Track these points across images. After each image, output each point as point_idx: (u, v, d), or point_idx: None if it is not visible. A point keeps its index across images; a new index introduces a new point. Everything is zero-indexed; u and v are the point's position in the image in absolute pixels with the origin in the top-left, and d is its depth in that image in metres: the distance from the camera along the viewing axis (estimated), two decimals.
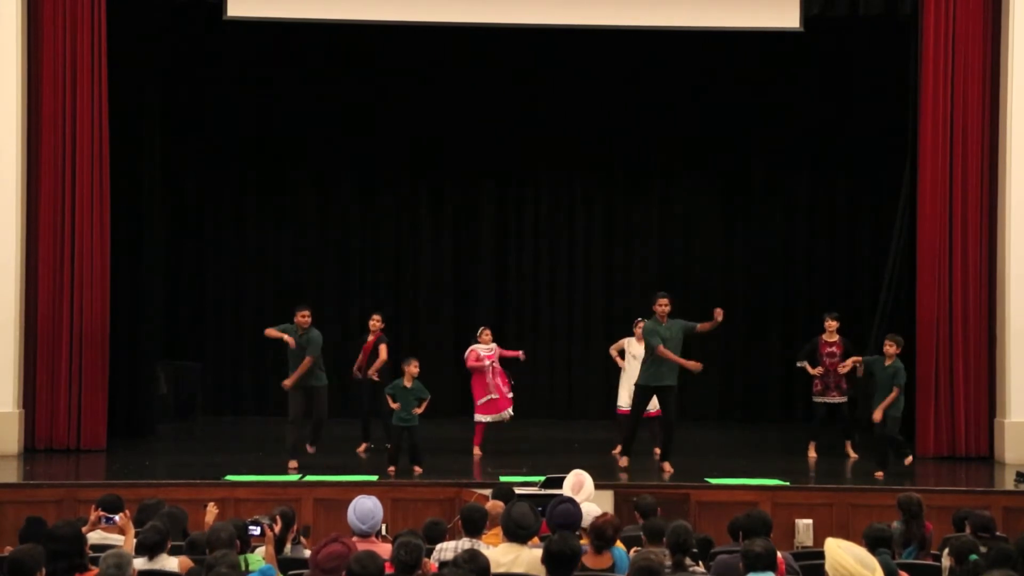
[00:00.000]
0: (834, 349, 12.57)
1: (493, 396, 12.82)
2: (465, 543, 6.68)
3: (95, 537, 7.15)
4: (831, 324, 12.62)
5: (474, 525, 6.96)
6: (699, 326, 11.51)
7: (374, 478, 10.94)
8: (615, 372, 13.28)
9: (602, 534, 6.65)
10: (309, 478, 10.86)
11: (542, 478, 9.78)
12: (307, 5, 13.29)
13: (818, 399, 12.68)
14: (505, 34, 14.21)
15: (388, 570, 5.61)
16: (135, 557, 6.39)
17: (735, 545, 7.11)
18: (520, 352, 13.16)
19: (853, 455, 12.64)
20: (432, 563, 6.39)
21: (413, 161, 16.58)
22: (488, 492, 9.24)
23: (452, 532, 7.64)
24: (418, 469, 11.22)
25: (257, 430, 14.86)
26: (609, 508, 9.46)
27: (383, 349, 12.58)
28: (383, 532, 7.80)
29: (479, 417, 12.80)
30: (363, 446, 12.81)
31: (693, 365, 11.50)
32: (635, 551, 6.69)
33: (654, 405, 12.16)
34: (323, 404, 11.75)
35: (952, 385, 12.89)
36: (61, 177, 12.65)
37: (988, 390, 12.98)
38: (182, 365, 15.75)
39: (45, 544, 5.80)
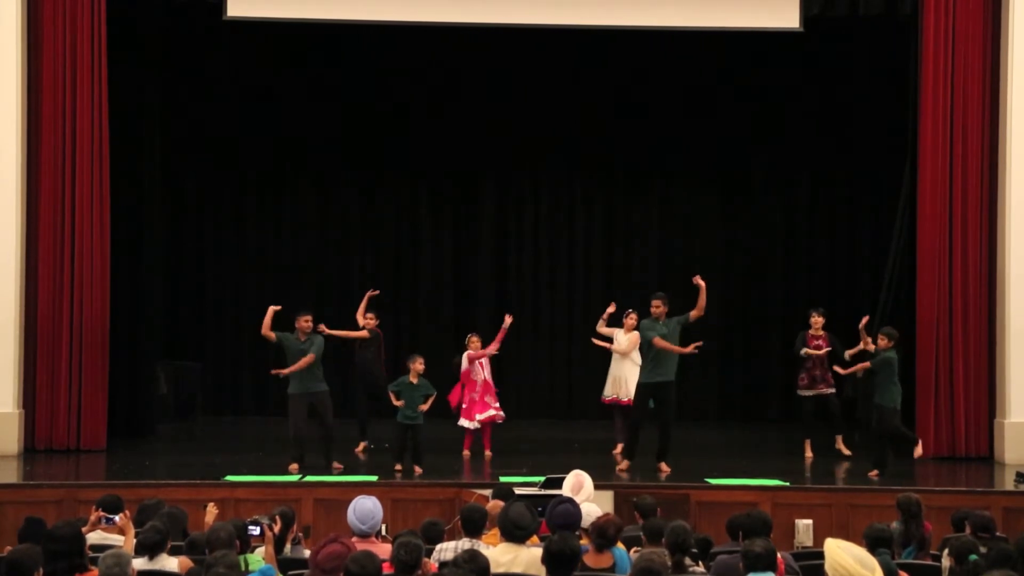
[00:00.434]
0: (820, 343, 12.59)
1: (471, 403, 12.80)
2: (465, 543, 6.69)
3: (95, 537, 7.15)
4: (817, 320, 12.65)
5: (474, 525, 6.96)
6: (692, 313, 11.49)
7: (374, 478, 10.94)
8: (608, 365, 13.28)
9: (604, 533, 6.66)
10: (309, 478, 10.87)
11: (542, 478, 9.78)
12: (307, 5, 13.30)
13: (806, 392, 12.67)
14: (505, 34, 14.20)
15: (387, 570, 5.61)
16: (135, 557, 6.40)
17: (734, 545, 7.11)
18: (507, 321, 12.94)
19: (845, 451, 12.64)
20: (432, 563, 6.39)
21: (413, 161, 16.58)
22: (488, 492, 9.25)
23: (452, 532, 7.64)
24: (418, 469, 11.22)
25: (257, 430, 14.87)
26: (609, 508, 9.46)
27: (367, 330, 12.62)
28: (383, 532, 7.80)
29: (463, 421, 12.78)
30: (361, 445, 12.81)
31: (690, 349, 11.49)
32: (635, 551, 6.69)
33: (627, 394, 12.29)
34: (328, 411, 11.65)
35: (952, 385, 12.89)
36: (61, 177, 12.65)
37: (988, 390, 12.98)
38: (182, 365, 15.73)
39: (45, 544, 5.80)
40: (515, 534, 6.53)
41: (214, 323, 16.64)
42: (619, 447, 12.52)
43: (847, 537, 5.36)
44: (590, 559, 6.60)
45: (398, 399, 11.42)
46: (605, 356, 13.38)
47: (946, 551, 7.12)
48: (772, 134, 16.38)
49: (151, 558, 6.53)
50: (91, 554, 6.20)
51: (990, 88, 13.00)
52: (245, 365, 16.55)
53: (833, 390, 12.64)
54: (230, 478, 10.76)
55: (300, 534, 7.85)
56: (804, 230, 16.85)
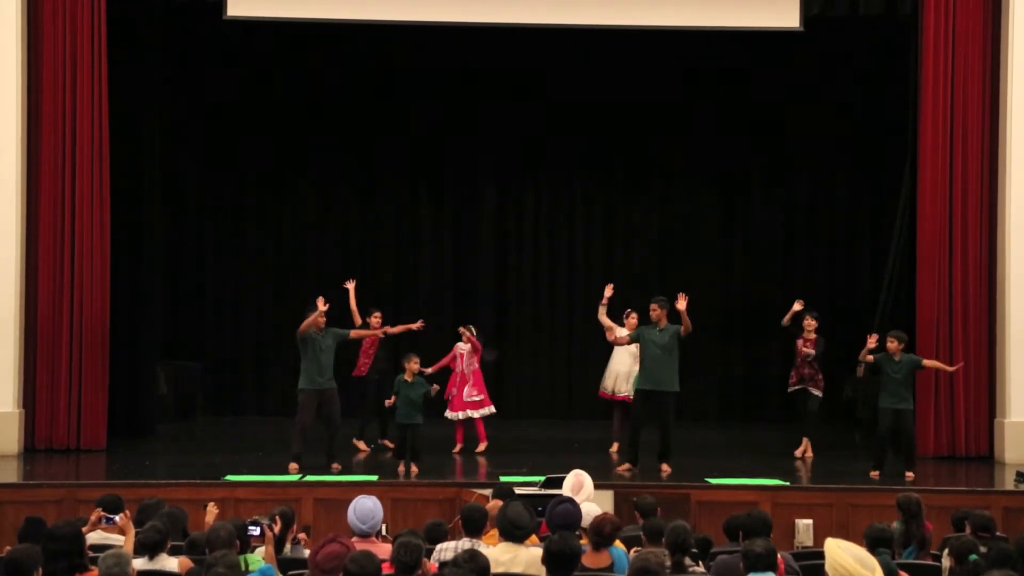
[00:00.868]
0: (809, 344, 12.56)
1: (473, 398, 12.85)
2: (465, 543, 6.68)
3: (95, 537, 7.15)
4: (809, 323, 12.63)
5: (474, 525, 6.96)
6: (682, 329, 11.45)
7: (374, 478, 10.94)
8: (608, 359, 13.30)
9: (600, 531, 6.66)
10: (309, 478, 10.86)
11: (542, 478, 9.77)
12: (307, 5, 13.29)
13: (794, 388, 12.67)
14: (506, 34, 14.21)
15: (387, 570, 5.61)
16: (135, 557, 6.40)
17: (734, 545, 7.11)
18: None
19: (810, 454, 12.61)
20: (432, 563, 6.39)
21: (413, 161, 16.58)
22: (488, 492, 9.25)
23: (452, 532, 7.64)
24: (415, 468, 11.22)
25: (257, 430, 14.86)
26: (609, 508, 9.46)
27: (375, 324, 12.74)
28: (383, 532, 7.80)
29: (449, 413, 12.92)
30: (360, 444, 12.83)
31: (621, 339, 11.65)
32: (635, 551, 6.69)
33: (620, 389, 12.47)
34: (337, 409, 11.65)
35: (952, 385, 12.88)
36: (61, 177, 12.64)
37: (988, 390, 12.98)
38: (182, 365, 15.75)
39: (45, 544, 5.80)
40: (514, 534, 6.53)
41: (214, 323, 16.65)
42: (615, 445, 12.54)
43: (847, 537, 5.36)
44: (588, 559, 6.60)
45: (396, 398, 11.44)
46: (607, 355, 13.37)
47: (946, 551, 7.12)
48: (772, 134, 16.38)
49: (151, 558, 6.53)
50: (91, 554, 6.20)
51: (990, 88, 13.00)
52: (245, 365, 16.57)
53: (819, 393, 12.58)
54: (230, 478, 10.76)
55: (302, 535, 7.85)
56: (804, 230, 16.85)
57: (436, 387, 11.52)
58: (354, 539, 6.46)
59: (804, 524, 10.31)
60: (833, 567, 4.93)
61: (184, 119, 15.65)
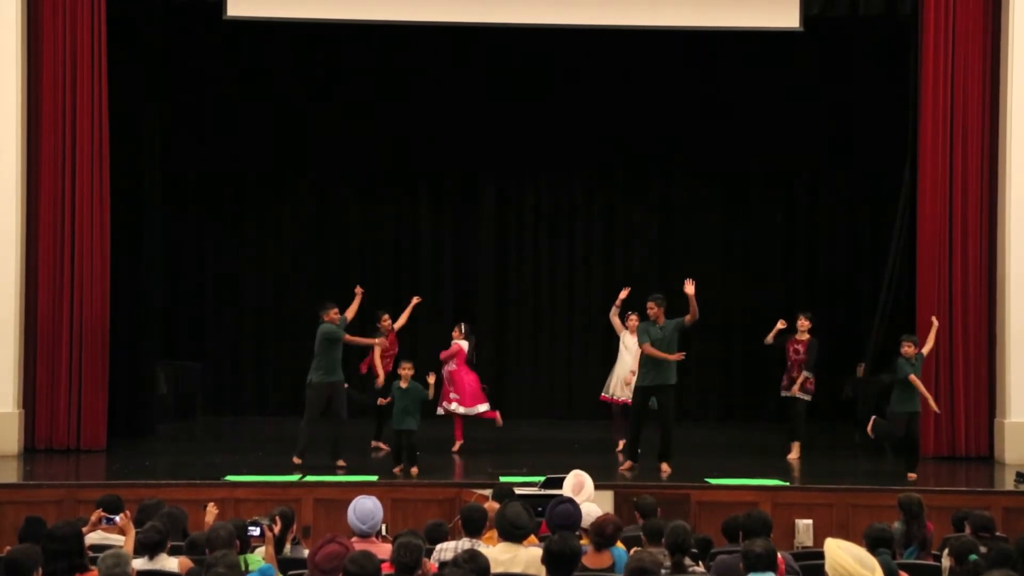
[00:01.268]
0: (799, 347, 12.50)
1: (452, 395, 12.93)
2: (465, 543, 6.68)
3: (95, 537, 7.15)
4: (803, 324, 12.61)
5: (474, 525, 6.96)
6: (686, 318, 11.47)
7: (374, 478, 10.94)
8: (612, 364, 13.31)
9: (602, 531, 6.66)
10: (309, 478, 10.86)
11: (542, 478, 9.77)
12: (307, 5, 13.29)
13: (785, 394, 12.64)
14: (506, 34, 14.21)
15: (387, 570, 5.61)
16: (135, 557, 6.40)
17: (733, 546, 7.11)
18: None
19: (796, 458, 12.55)
20: (432, 563, 6.39)
21: (413, 161, 16.58)
22: (488, 492, 9.24)
23: (452, 532, 7.64)
24: (415, 470, 11.22)
25: (257, 430, 14.87)
26: (609, 508, 9.46)
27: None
28: (383, 532, 7.80)
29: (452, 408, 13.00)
30: (378, 444, 12.90)
31: (675, 356, 11.46)
32: (635, 551, 6.68)
33: (626, 394, 12.39)
34: (344, 403, 11.72)
35: (952, 385, 12.88)
36: (61, 177, 12.64)
37: (988, 390, 12.98)
38: (182, 365, 15.75)
39: (45, 544, 5.80)
40: (512, 534, 6.52)
41: (214, 323, 16.65)
42: (620, 444, 12.54)
43: (847, 537, 5.36)
44: (589, 559, 6.60)
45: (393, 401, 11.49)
46: (607, 355, 13.38)
47: (946, 551, 7.12)
48: (772, 134, 16.37)
49: (151, 558, 6.53)
50: (91, 554, 6.20)
51: (990, 88, 12.99)
52: (245, 365, 16.58)
53: (808, 397, 12.54)
54: (230, 478, 10.76)
55: (299, 535, 7.85)
56: (804, 230, 16.85)
57: (432, 375, 11.50)
58: (354, 539, 6.46)
59: (804, 524, 10.30)
60: (833, 567, 4.92)
61: (184, 119, 15.65)
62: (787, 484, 10.94)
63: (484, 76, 16.17)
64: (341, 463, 11.44)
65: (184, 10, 13.69)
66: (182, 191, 16.25)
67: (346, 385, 12.04)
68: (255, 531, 7.00)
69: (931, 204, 12.99)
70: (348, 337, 11.80)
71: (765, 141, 16.47)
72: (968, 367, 12.88)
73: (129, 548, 6.61)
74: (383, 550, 6.23)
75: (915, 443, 11.51)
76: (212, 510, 7.77)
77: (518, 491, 8.78)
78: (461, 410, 12.88)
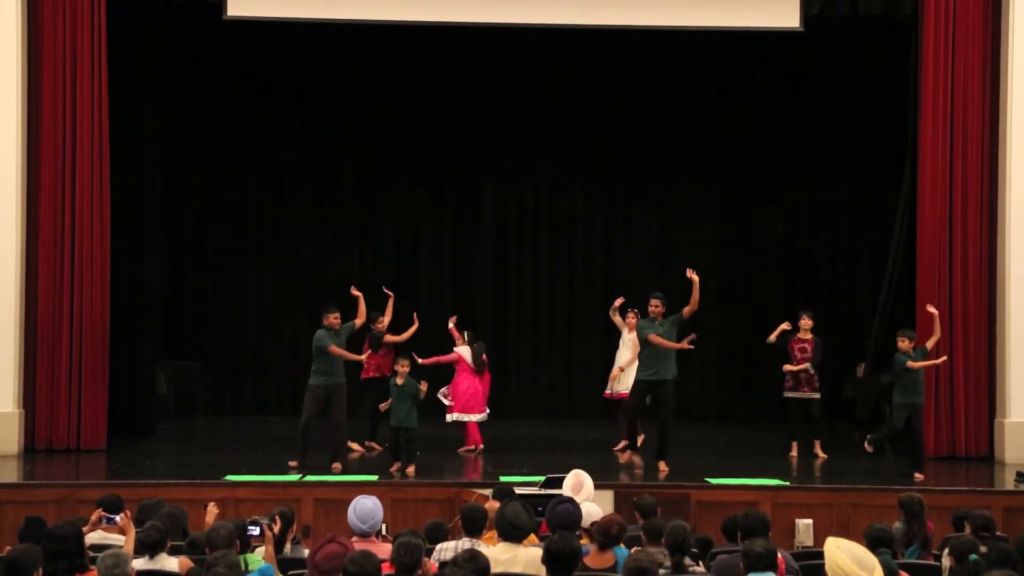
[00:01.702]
0: (806, 346, 12.55)
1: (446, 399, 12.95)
2: (465, 543, 6.68)
3: (96, 537, 7.15)
4: (805, 323, 12.63)
5: (474, 525, 6.96)
6: (685, 309, 11.49)
7: (374, 478, 10.94)
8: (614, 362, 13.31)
9: (607, 532, 6.66)
10: (309, 478, 10.86)
11: (542, 478, 9.77)
12: (307, 5, 13.30)
13: (790, 395, 12.65)
14: (505, 34, 14.21)
15: (387, 570, 5.61)
16: (135, 557, 6.40)
17: (732, 546, 7.11)
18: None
19: (822, 455, 12.60)
20: (432, 563, 6.39)
21: (413, 161, 16.58)
22: (488, 492, 9.25)
23: (452, 532, 7.64)
24: (411, 470, 11.22)
25: (257, 430, 14.86)
26: (609, 508, 9.45)
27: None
28: (383, 532, 7.80)
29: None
30: (374, 445, 12.87)
31: (685, 345, 11.49)
32: (634, 551, 6.68)
33: (624, 385, 12.46)
34: (343, 406, 11.67)
35: (952, 385, 12.89)
36: (61, 177, 12.64)
37: (988, 390, 12.98)
38: (182, 365, 15.75)
39: (45, 544, 5.80)
40: (512, 534, 6.52)
41: (214, 323, 16.65)
42: (622, 443, 12.55)
43: (847, 537, 5.35)
44: (592, 559, 6.60)
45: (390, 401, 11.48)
46: (607, 355, 13.38)
47: (946, 551, 7.12)
48: (772, 134, 16.38)
49: (151, 557, 6.53)
50: (91, 554, 6.20)
51: (990, 88, 13.00)
52: (245, 365, 16.57)
53: (817, 395, 12.56)
54: (230, 478, 10.75)
55: (299, 534, 7.85)
56: (804, 230, 16.85)
57: (424, 384, 11.47)
58: (354, 539, 6.46)
59: (804, 524, 10.30)
60: (832, 568, 4.93)
61: (184, 119, 15.64)
62: (787, 484, 10.93)
63: (484, 76, 16.17)
64: (336, 466, 11.43)
65: (184, 10, 13.69)
66: (182, 191, 16.24)
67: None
68: (255, 531, 7.00)
69: (931, 204, 12.99)
70: (333, 348, 11.58)
71: (765, 141, 16.47)
72: (968, 367, 12.88)
73: (129, 548, 6.61)
74: (383, 550, 6.23)
75: (918, 440, 11.47)
76: (212, 510, 7.77)
77: (518, 491, 8.78)
78: (451, 416, 12.88)
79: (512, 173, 16.81)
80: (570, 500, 7.08)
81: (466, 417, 12.85)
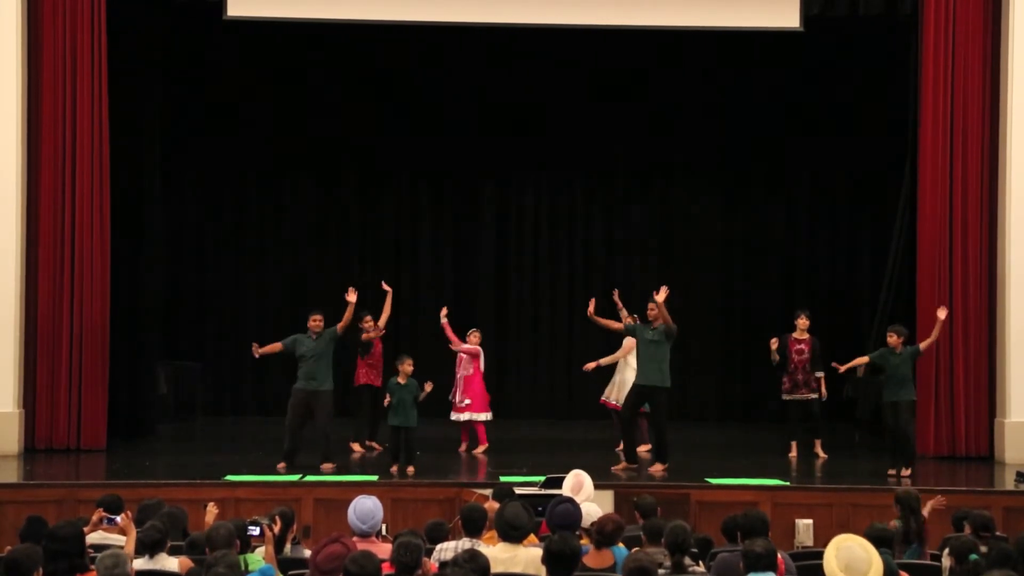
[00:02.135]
0: (803, 347, 12.53)
1: (464, 400, 12.86)
2: (465, 543, 6.68)
3: (96, 537, 7.15)
4: (802, 322, 12.62)
5: (474, 525, 6.96)
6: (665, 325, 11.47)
7: (374, 478, 10.94)
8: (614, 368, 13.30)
9: (602, 529, 6.65)
10: (309, 478, 10.86)
11: (542, 478, 9.77)
12: (307, 5, 13.30)
13: (787, 397, 12.63)
14: (506, 34, 14.21)
15: (387, 570, 5.61)
16: (136, 556, 6.40)
17: (732, 546, 7.11)
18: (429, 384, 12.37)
19: (822, 455, 12.58)
20: (432, 563, 6.39)
21: (413, 161, 16.58)
22: (488, 492, 9.25)
23: (452, 532, 7.64)
24: (411, 469, 11.21)
25: (257, 430, 14.84)
26: (609, 508, 9.45)
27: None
28: (383, 532, 7.80)
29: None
30: (357, 444, 12.87)
31: (662, 293, 11.33)
32: (634, 551, 6.68)
33: (618, 398, 12.44)
34: (325, 411, 11.60)
35: (952, 385, 12.89)
36: (61, 177, 12.65)
37: (988, 390, 12.98)
38: (182, 365, 15.75)
39: (46, 544, 5.80)
40: (510, 534, 6.52)
41: (214, 323, 16.65)
42: (621, 444, 12.57)
43: None
44: (590, 559, 6.60)
45: (390, 400, 11.47)
46: (605, 353, 13.36)
47: (946, 551, 7.12)
48: (772, 134, 16.38)
49: (151, 556, 6.53)
50: (92, 554, 6.19)
51: (990, 88, 13.00)
52: (245, 365, 16.48)
53: (815, 396, 12.54)
54: (230, 478, 10.75)
55: (299, 534, 7.85)
56: (804, 230, 16.85)
57: (429, 384, 11.45)
58: (354, 539, 6.46)
59: (804, 524, 10.30)
60: (827, 568, 4.93)
61: (184, 119, 15.64)
62: (787, 484, 10.93)
63: (484, 76, 16.17)
64: (325, 466, 11.40)
65: (184, 10, 13.69)
66: (182, 191, 16.24)
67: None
68: (255, 531, 7.00)
69: (931, 204, 12.99)
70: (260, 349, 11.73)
71: (765, 141, 16.47)
72: (968, 367, 12.88)
73: (130, 549, 6.61)
74: (383, 550, 6.23)
75: (904, 436, 11.41)
76: (212, 510, 7.77)
77: (518, 491, 8.78)
78: (464, 415, 12.87)
79: (512, 173, 16.81)
80: (570, 500, 7.07)
81: (480, 416, 12.85)
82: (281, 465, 11.36)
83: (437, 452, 12.33)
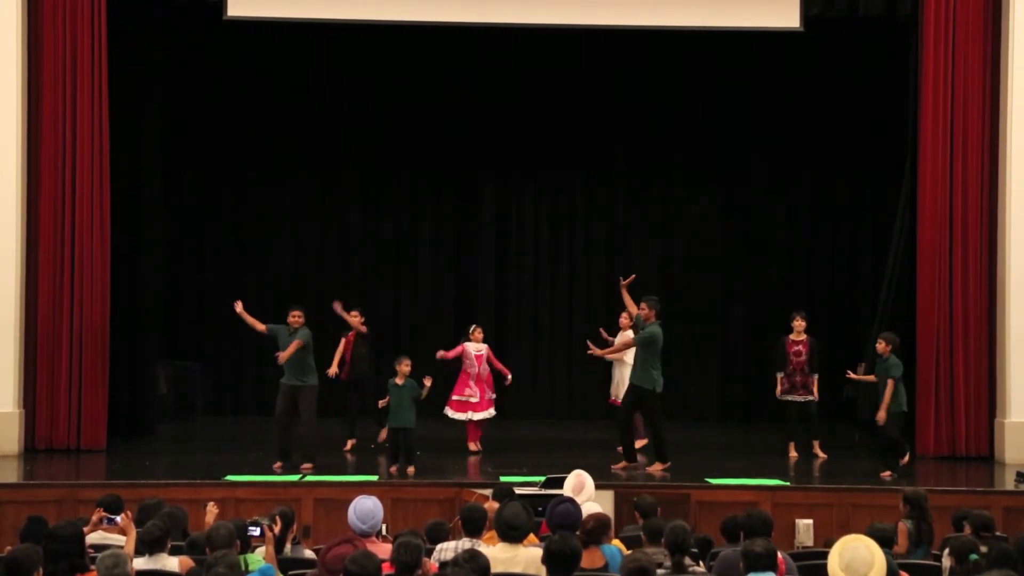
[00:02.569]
0: (800, 348, 12.53)
1: (471, 399, 12.80)
2: (465, 543, 6.68)
3: (96, 537, 7.15)
4: (799, 324, 12.62)
5: (474, 525, 6.96)
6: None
7: (374, 478, 10.95)
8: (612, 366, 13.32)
9: (584, 527, 6.62)
10: (309, 478, 10.87)
11: (542, 478, 9.78)
12: (307, 5, 13.30)
13: (785, 397, 12.63)
14: (506, 33, 14.22)
15: (387, 570, 5.61)
16: (136, 556, 6.40)
17: (732, 546, 7.10)
18: (508, 373, 13.03)
19: (821, 455, 12.59)
20: (432, 563, 6.39)
21: (413, 161, 16.57)
22: (488, 492, 9.25)
23: (452, 532, 7.65)
24: (411, 470, 11.22)
25: (257, 430, 14.83)
26: (609, 508, 9.47)
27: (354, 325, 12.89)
28: (383, 532, 7.80)
29: (446, 410, 12.88)
30: (349, 443, 12.87)
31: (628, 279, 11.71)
32: (633, 551, 6.68)
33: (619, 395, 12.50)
34: (309, 407, 11.62)
35: (952, 385, 12.89)
36: (61, 177, 12.65)
37: (988, 390, 12.98)
38: (182, 365, 15.74)
39: (46, 544, 5.80)
40: (510, 534, 6.52)
41: (214, 323, 16.61)
42: (639, 444, 12.58)
43: None
44: (583, 560, 6.58)
45: (388, 401, 11.48)
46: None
47: (946, 551, 7.12)
48: (772, 134, 16.37)
49: (151, 554, 6.53)
50: (92, 553, 6.20)
51: (990, 88, 12.99)
52: (245, 365, 16.55)
53: (812, 397, 12.54)
54: (230, 478, 10.76)
55: (299, 534, 7.85)
56: (804, 230, 16.84)
57: (429, 379, 11.40)
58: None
59: (804, 524, 10.31)
60: (829, 568, 4.94)
61: (184, 119, 15.63)
62: (787, 484, 10.94)
63: (484, 76, 16.16)
64: (305, 466, 11.38)
65: (184, 10, 13.69)
66: (182, 191, 16.23)
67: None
68: (255, 531, 7.00)
69: (931, 204, 12.99)
70: (279, 354, 11.84)
71: (765, 141, 16.47)
72: (968, 367, 12.88)
73: (130, 549, 6.61)
74: (383, 550, 6.23)
75: (890, 440, 11.51)
76: (212, 510, 7.77)
77: (518, 491, 8.79)
78: (484, 414, 12.88)
79: (512, 173, 16.80)
80: (570, 500, 7.08)
81: (488, 414, 12.87)
82: (277, 465, 11.37)
83: (437, 452, 12.33)
